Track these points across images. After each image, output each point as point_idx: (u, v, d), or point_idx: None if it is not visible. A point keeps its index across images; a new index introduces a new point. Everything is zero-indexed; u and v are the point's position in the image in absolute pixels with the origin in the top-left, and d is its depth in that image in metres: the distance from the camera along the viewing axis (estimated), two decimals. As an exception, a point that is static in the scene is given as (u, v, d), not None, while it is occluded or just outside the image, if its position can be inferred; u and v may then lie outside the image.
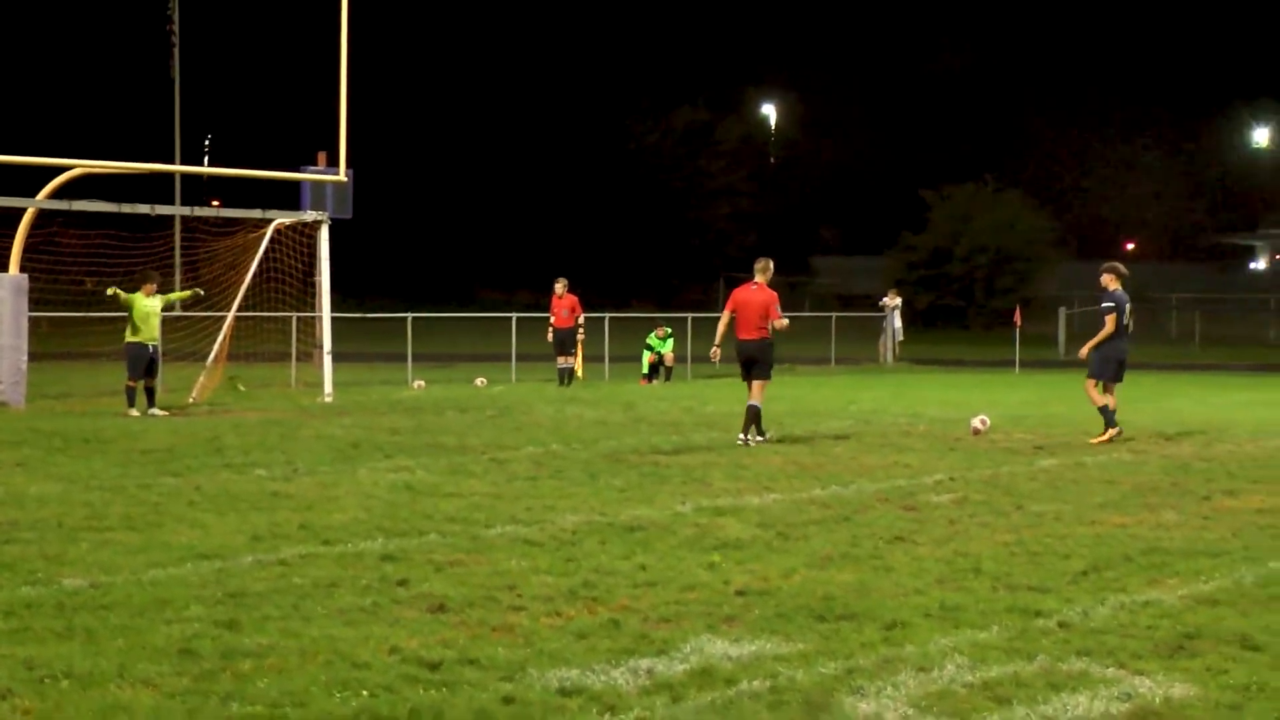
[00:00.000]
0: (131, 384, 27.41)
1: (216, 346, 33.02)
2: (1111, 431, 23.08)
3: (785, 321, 22.61)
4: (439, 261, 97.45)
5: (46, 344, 33.89)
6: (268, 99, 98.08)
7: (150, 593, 11.12)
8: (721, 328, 23.14)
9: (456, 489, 17.20)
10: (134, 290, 27.61)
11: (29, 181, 31.37)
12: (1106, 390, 23.43)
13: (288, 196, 35.75)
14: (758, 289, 22.80)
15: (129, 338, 27.49)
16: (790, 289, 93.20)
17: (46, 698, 8.38)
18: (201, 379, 31.99)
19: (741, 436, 22.44)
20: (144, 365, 27.28)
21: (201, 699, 8.38)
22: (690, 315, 46.81)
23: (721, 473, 19.00)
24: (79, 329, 34.99)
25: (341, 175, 33.68)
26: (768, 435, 22.76)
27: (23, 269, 30.13)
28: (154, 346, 27.50)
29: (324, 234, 33.74)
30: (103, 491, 16.69)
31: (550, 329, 38.67)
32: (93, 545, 13.14)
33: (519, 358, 41.26)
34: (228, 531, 13.98)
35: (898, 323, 53.99)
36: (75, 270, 34.30)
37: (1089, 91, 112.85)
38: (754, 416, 22.50)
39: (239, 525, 14.36)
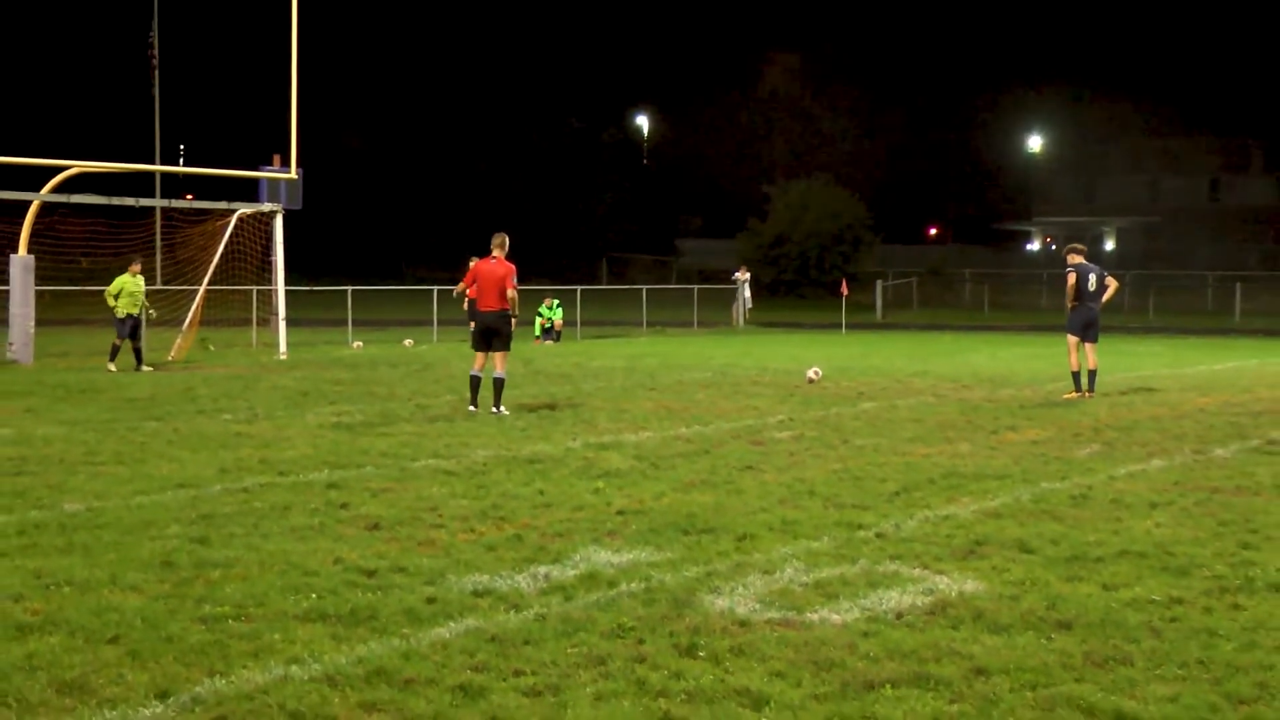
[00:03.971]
0: (117, 343, 27.10)
1: (190, 314, 32.65)
2: (1071, 394, 21.98)
3: (514, 293, 19.37)
4: (374, 243, 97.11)
5: (50, 312, 33.36)
6: (231, 110, 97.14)
7: (137, 515, 10.99)
8: (462, 298, 19.79)
9: (388, 429, 17.10)
10: (123, 271, 27.50)
11: (35, 179, 30.97)
12: (1081, 348, 22.17)
13: (248, 191, 35.33)
14: (497, 262, 19.34)
15: (109, 301, 27.22)
16: (660, 266, 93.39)
17: (52, 600, 8.27)
18: (178, 341, 31.64)
19: (494, 408, 19.01)
20: (128, 328, 26.97)
21: (179, 601, 8.29)
22: (579, 288, 46.75)
23: (605, 415, 18.99)
24: (76, 300, 34.49)
25: (293, 174, 33.38)
26: (504, 409, 19.10)
27: (30, 251, 29.74)
28: (134, 315, 27.16)
29: (278, 222, 33.45)
30: (97, 432, 16.48)
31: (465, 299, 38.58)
32: (89, 476, 12.98)
33: (439, 323, 41.08)
34: (200, 465, 13.83)
35: (747, 293, 54.23)
36: (73, 251, 33.85)
37: (897, 102, 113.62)
38: (500, 388, 19.26)
39: (209, 460, 14.21)
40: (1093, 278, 22.23)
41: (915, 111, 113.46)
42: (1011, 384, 24.77)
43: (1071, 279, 22.10)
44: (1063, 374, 26.45)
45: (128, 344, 27.06)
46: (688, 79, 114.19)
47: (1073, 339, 22.28)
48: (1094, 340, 22.33)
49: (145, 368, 26.85)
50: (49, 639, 7.47)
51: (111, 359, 27.01)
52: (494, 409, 19.07)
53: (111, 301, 27.03)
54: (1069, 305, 22.44)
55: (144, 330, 27.75)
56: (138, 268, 27.65)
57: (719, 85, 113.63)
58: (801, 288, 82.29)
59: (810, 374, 24.80)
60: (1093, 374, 22.22)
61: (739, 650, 7.43)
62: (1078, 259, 22.28)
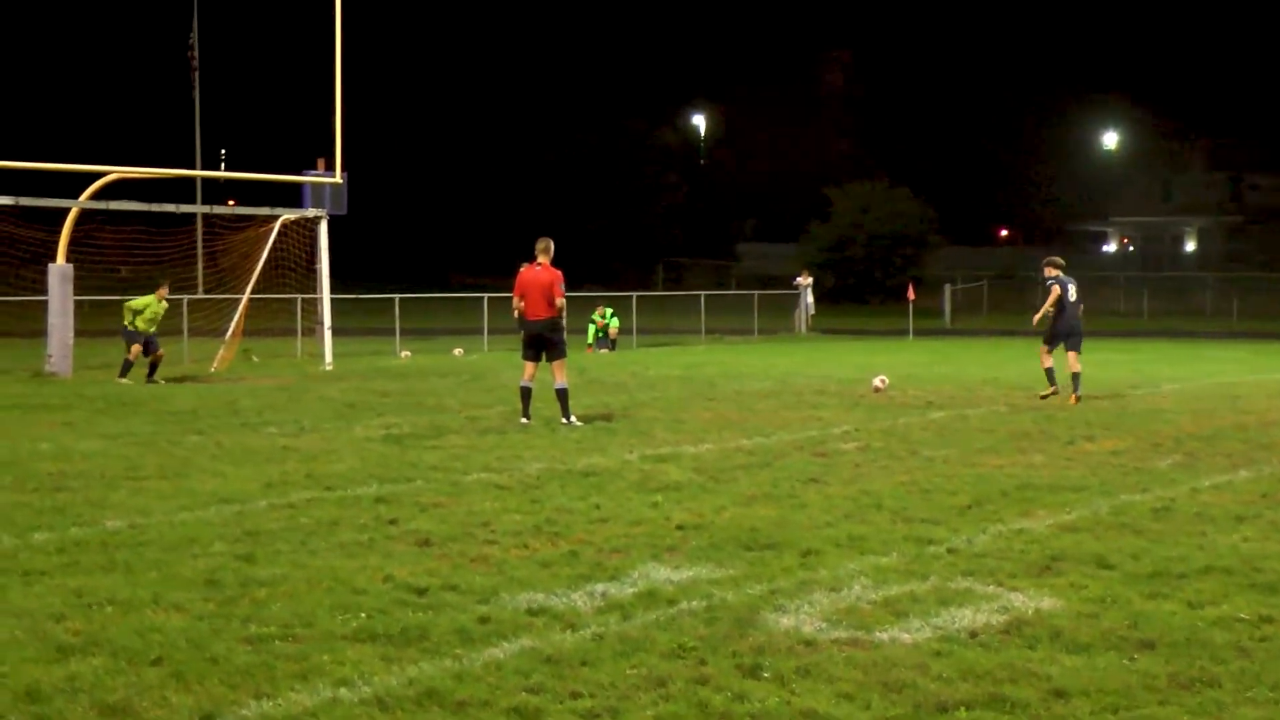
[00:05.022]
0: (130, 357, 27.20)
1: (233, 324, 32.85)
2: (1050, 389, 22.92)
3: (563, 301, 19.32)
4: (421, 250, 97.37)
5: (89, 322, 33.58)
6: (274, 113, 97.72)
7: (179, 532, 11.06)
8: (518, 314, 19.57)
9: (438, 442, 17.14)
10: (150, 290, 27.74)
11: (73, 186, 31.22)
12: (1055, 353, 23.16)
13: (292, 196, 35.49)
14: (542, 269, 19.18)
15: (127, 324, 27.36)
16: (719, 271, 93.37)
17: (93, 620, 8.32)
18: (221, 351, 31.84)
19: (564, 420, 18.96)
20: (140, 339, 27.12)
21: (224, 621, 8.33)
22: (634, 294, 46.84)
23: (662, 426, 18.98)
24: (116, 310, 34.75)
25: (337, 178, 33.47)
26: (574, 419, 19.08)
27: (68, 260, 29.97)
28: (148, 335, 27.36)
29: (323, 228, 33.61)
30: (138, 447, 16.59)
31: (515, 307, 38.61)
32: (130, 492, 13.07)
33: (490, 331, 41.18)
34: (245, 480, 13.90)
35: (809, 299, 54.07)
36: (113, 260, 34.13)
37: (963, 100, 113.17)
38: (564, 398, 19.15)
39: (254, 474, 14.28)
40: (1071, 288, 23.27)
41: (984, 108, 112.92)
42: (1087, 392, 24.60)
43: (1056, 291, 23.09)
44: (1140, 381, 26.51)
45: (137, 358, 27.24)
46: (745, 77, 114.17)
47: (1045, 348, 23.44)
48: (1077, 349, 23.19)
49: (159, 380, 26.96)
50: (91, 660, 7.51)
51: (122, 375, 27.05)
52: (564, 421, 18.96)
53: (129, 317, 27.20)
54: (1041, 316, 23.46)
55: (159, 347, 27.79)
56: (165, 291, 27.83)
57: (777, 84, 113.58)
58: (866, 293, 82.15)
59: (876, 382, 24.73)
60: (1076, 377, 22.85)
61: (805, 671, 7.40)
62: (1056, 272, 23.47)
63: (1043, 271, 23.82)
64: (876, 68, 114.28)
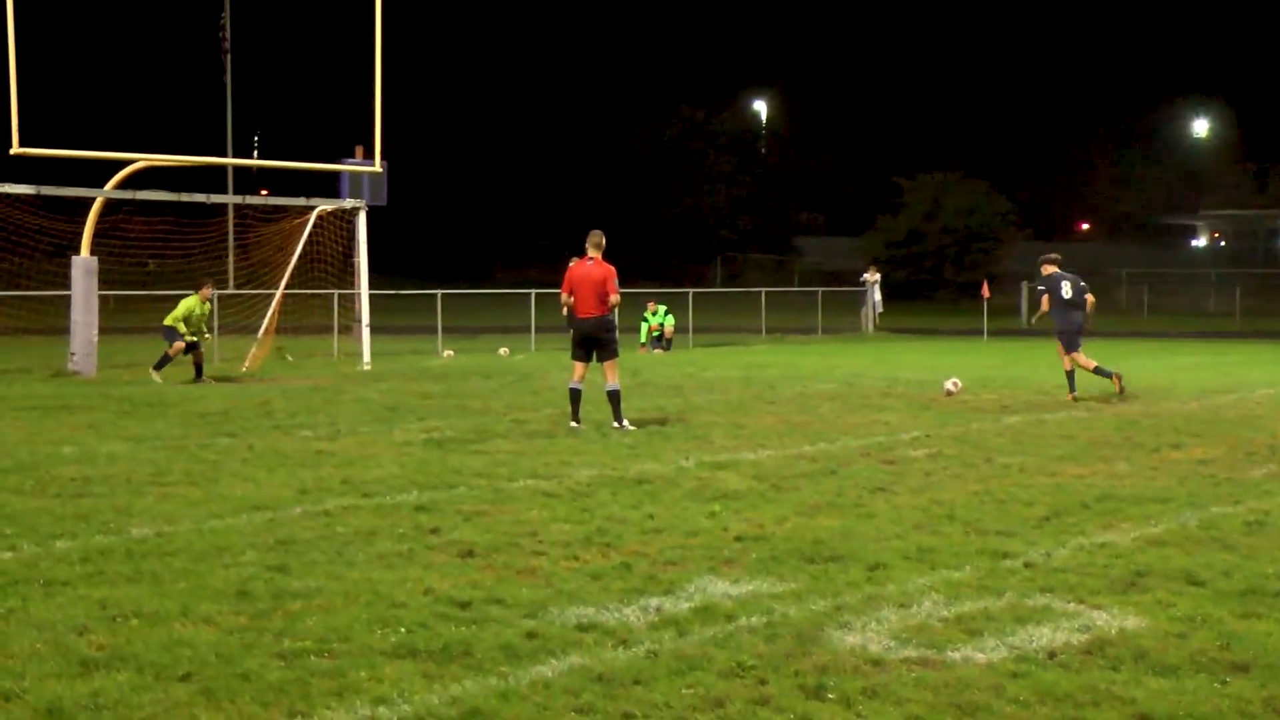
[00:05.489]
0: (170, 353, 27.23)
1: (266, 321, 33.02)
2: (1068, 395, 23.36)
3: (617, 298, 19.39)
4: (464, 243, 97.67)
5: (114, 319, 33.84)
6: (310, 98, 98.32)
7: (209, 540, 11.11)
8: (566, 311, 19.71)
9: (482, 447, 17.17)
10: (194, 290, 27.85)
11: (98, 174, 31.42)
12: (1070, 356, 23.66)
13: (328, 186, 35.70)
14: (594, 264, 19.19)
15: (170, 322, 27.37)
16: (779, 266, 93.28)
17: (118, 633, 8.36)
18: (253, 350, 31.99)
19: (615, 424, 18.98)
20: (181, 342, 27.17)
21: (256, 635, 8.36)
22: (691, 291, 46.84)
23: (720, 431, 18.95)
24: (143, 306, 34.98)
25: (377, 167, 33.60)
26: (626, 423, 19.08)
27: (92, 252, 30.14)
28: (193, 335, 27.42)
29: (361, 219, 33.76)
30: (166, 450, 16.69)
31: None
32: (157, 498, 13.14)
33: (537, 329, 41.24)
34: (278, 486, 13.96)
35: (877, 296, 53.93)
36: (139, 253, 34.32)
37: (1046, 88, 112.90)
38: (616, 401, 19.17)
39: (288, 480, 14.34)
40: (1066, 285, 23.74)
41: (1065, 97, 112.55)
42: (1174, 396, 24.46)
43: (1044, 302, 23.85)
44: (1231, 386, 26.29)
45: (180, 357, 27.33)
46: (808, 62, 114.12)
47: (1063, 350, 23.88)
48: (1072, 349, 23.68)
49: (208, 380, 27.11)
50: (116, 676, 7.55)
51: (157, 368, 27.14)
52: (616, 425, 18.99)
53: (183, 328, 27.20)
54: (1040, 316, 24.19)
55: (202, 345, 27.88)
56: (209, 291, 27.89)
57: (842, 68, 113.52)
58: (937, 290, 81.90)
59: (948, 385, 24.65)
60: (1070, 374, 23.59)
61: (872, 692, 7.38)
62: (1052, 269, 24.03)
63: (1039, 269, 24.30)
64: (953, 55, 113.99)
